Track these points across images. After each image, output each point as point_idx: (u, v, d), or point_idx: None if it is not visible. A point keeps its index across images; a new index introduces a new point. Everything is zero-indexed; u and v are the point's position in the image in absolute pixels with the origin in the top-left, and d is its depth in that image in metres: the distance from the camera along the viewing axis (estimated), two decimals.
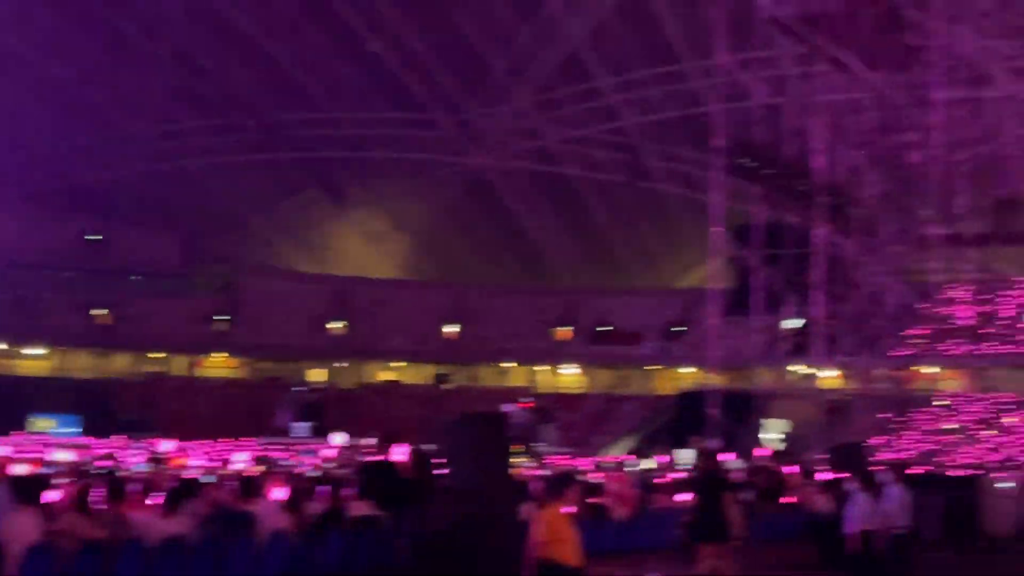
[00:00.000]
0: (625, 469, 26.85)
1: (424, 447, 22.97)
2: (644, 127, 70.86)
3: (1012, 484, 28.97)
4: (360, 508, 17.48)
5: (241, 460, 27.63)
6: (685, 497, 22.39)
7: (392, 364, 74.49)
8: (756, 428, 35.36)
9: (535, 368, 73.59)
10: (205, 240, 76.67)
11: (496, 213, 77.96)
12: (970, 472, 29.27)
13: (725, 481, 17.53)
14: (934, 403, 35.11)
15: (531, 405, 46.55)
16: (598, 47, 67.00)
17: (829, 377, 41.21)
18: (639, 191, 73.09)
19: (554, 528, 12.29)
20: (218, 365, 72.62)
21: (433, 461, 19.26)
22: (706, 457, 18.38)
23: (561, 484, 13.04)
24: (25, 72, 64.62)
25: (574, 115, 72.13)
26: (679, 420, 41.75)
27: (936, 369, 36.84)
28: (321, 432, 48.21)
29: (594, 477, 24.98)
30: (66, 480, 16.84)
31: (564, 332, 73.72)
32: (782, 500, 23.11)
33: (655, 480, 24.99)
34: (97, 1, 63.82)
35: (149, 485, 17.22)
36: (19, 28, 62.41)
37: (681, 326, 70.68)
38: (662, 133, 70.15)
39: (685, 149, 67.77)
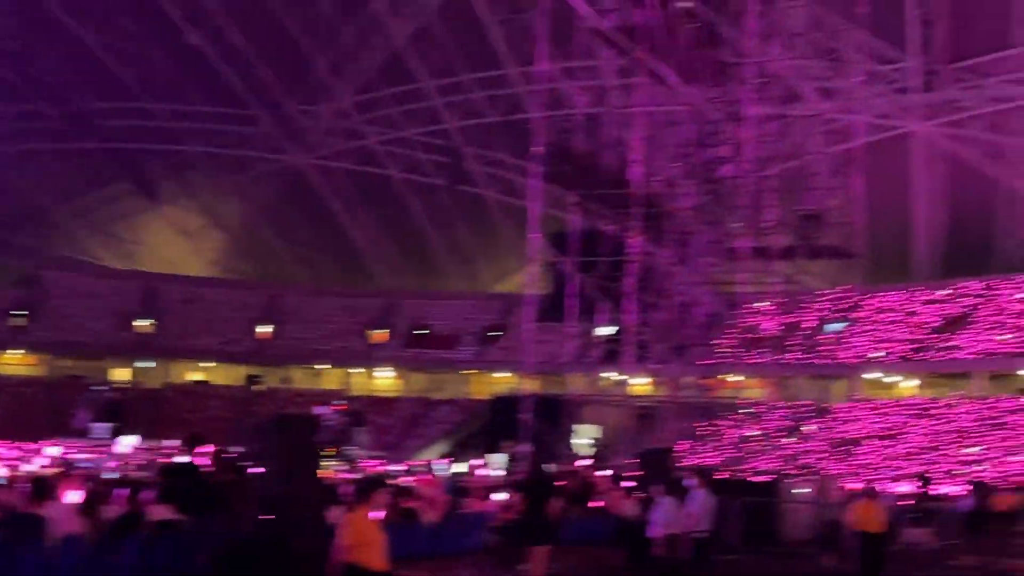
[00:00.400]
0: (437, 473, 26.73)
1: (231, 450, 22.30)
2: (466, 131, 71.07)
3: (809, 490, 30.03)
4: (160, 512, 16.86)
5: (37, 461, 26.34)
6: (497, 501, 22.51)
7: (201, 364, 72.57)
8: (568, 434, 35.69)
9: (350, 370, 72.82)
10: (5, 231, 73.20)
11: (314, 212, 76.88)
12: (770, 478, 30.19)
13: (551, 485, 18.07)
14: (739, 411, 36.14)
15: (344, 408, 45.98)
16: (421, 49, 66.85)
17: (639, 384, 42.00)
18: (459, 195, 73.21)
19: (361, 532, 12.06)
20: (15, 362, 69.32)
21: (240, 464, 18.76)
22: (534, 461, 18.99)
23: (369, 488, 12.81)
24: None
25: (395, 116, 71.83)
26: (492, 425, 41.84)
27: (741, 378, 37.95)
28: (121, 433, 46.51)
29: (406, 481, 24.76)
30: None
31: (380, 334, 73.15)
32: (591, 504, 23.34)
33: (467, 484, 24.93)
34: None
35: None
36: None
37: (497, 331, 71.06)
38: (483, 137, 70.47)
39: (505, 154, 68.22)
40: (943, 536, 31.07)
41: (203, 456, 23.29)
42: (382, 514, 13.01)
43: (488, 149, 71.00)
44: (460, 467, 31.32)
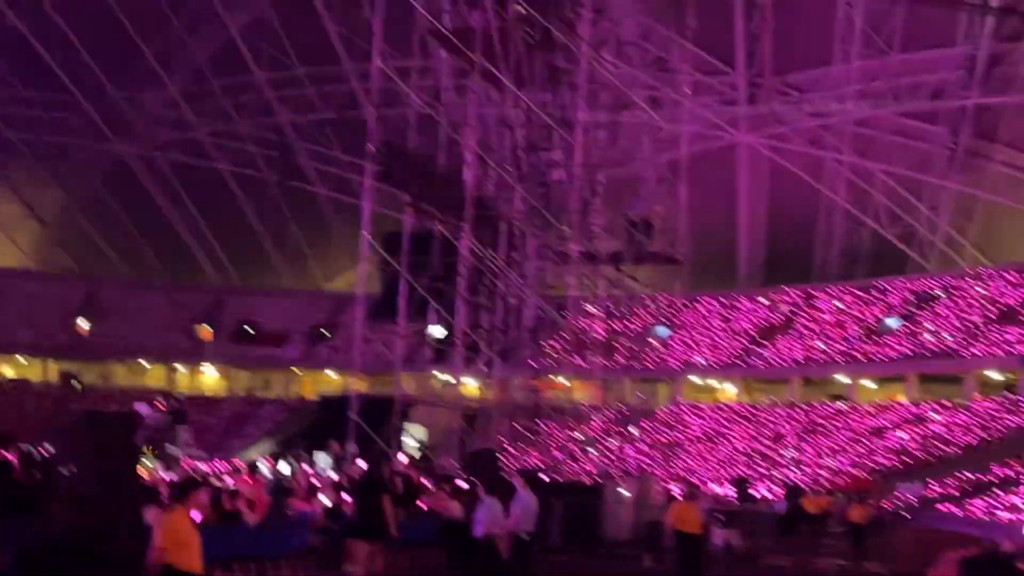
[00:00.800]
0: (261, 473, 26.26)
1: (42, 449, 21.49)
2: (299, 126, 70.15)
3: (629, 492, 30.63)
4: None
5: None
6: (322, 501, 22.25)
7: (16, 359, 69.80)
8: (396, 434, 35.58)
9: (174, 367, 71.04)
10: None
11: (139, 204, 74.64)
12: (594, 480, 30.69)
13: (385, 483, 18.27)
14: (566, 413, 36.61)
15: (165, 406, 44.80)
16: (254, 41, 65.72)
17: (468, 385, 42.14)
18: (291, 191, 72.14)
19: (177, 533, 11.75)
20: None
21: (49, 464, 18.09)
22: (370, 461, 19.33)
23: (187, 488, 12.52)
24: None
25: (227, 108, 70.39)
26: (319, 424, 41.40)
27: (569, 380, 38.45)
28: None
29: (228, 481, 24.22)
30: None
31: (206, 331, 71.52)
32: (416, 505, 23.28)
33: (291, 484, 24.56)
34: None
35: None
36: None
37: (327, 329, 70.35)
38: (317, 134, 69.66)
39: (339, 152, 67.56)
40: (758, 537, 32.13)
41: (10, 456, 22.36)
42: (200, 515, 12.73)
43: (322, 146, 70.21)
44: (285, 467, 30.88)
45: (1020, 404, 49.21)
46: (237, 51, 66.35)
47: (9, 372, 69.24)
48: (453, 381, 39.94)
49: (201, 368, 71.41)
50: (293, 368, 70.75)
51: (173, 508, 12.18)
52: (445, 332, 39.24)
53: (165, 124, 71.80)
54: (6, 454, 22.79)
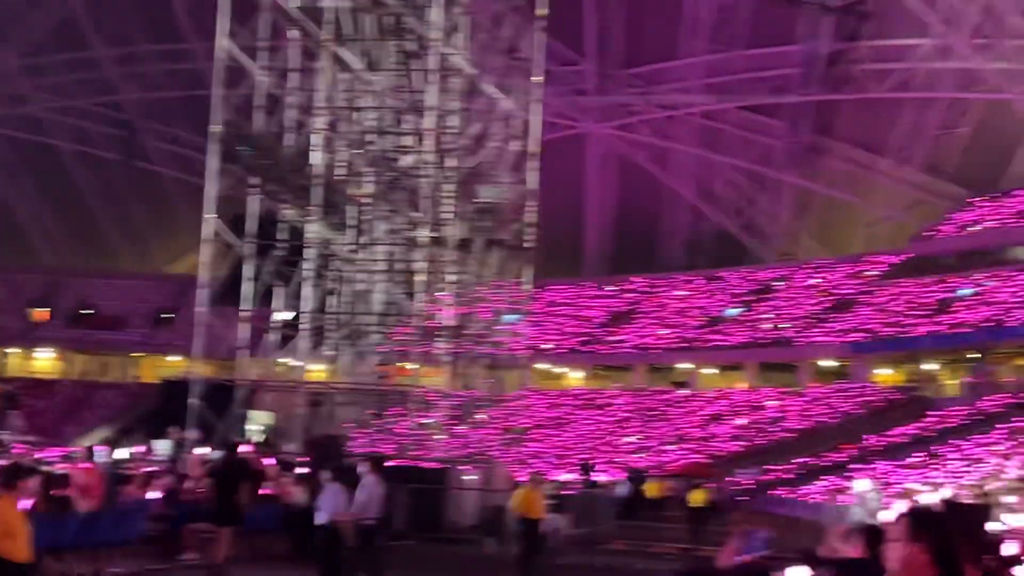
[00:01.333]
0: (95, 460, 25.46)
1: None
2: (142, 104, 68.29)
3: (475, 477, 30.77)
4: None
5: None
6: (159, 488, 21.76)
7: None
8: (238, 419, 34.97)
9: (7, 350, 68.50)
10: None
11: None
12: (440, 465, 30.72)
13: (242, 470, 18.12)
14: (413, 399, 36.58)
15: None
16: (97, 15, 63.72)
17: (314, 370, 41.71)
18: (133, 170, 70.21)
19: (4, 522, 11.34)
20: None
21: None
22: (229, 447, 19.40)
23: (15, 475, 12.08)
24: None
25: (66, 84, 68.09)
26: (160, 410, 40.42)
27: (417, 366, 38.41)
28: None
29: (61, 468, 23.45)
30: None
31: (41, 313, 69.10)
32: (260, 491, 22.94)
33: (128, 471, 23.94)
34: None
35: None
36: None
37: (170, 313, 68.69)
38: (161, 112, 67.94)
39: (185, 131, 66.05)
40: (600, 521, 32.63)
41: None
42: (29, 503, 12.33)
43: (166, 124, 68.51)
44: (122, 453, 30.05)
45: (851, 391, 51.16)
46: (77, 25, 64.24)
47: None
48: (299, 366, 39.49)
49: (34, 352, 69.00)
50: (134, 353, 68.90)
51: (1, 496, 11.76)
52: (291, 316, 38.77)
53: (1, 99, 69.10)
54: None
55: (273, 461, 25.24)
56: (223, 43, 35.16)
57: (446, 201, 36.11)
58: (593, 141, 65.65)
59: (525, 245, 39.97)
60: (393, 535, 22.81)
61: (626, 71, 62.30)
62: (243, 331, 36.96)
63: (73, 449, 29.94)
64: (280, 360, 42.39)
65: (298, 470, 24.82)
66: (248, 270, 36.08)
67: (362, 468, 18.38)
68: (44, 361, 69.33)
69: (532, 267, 40.95)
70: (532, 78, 40.42)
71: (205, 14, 50.98)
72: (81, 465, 21.24)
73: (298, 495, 22.11)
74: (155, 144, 69.79)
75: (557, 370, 63.76)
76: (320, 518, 17.42)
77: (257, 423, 36.50)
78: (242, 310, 36.61)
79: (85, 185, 72.26)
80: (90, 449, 25.33)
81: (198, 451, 26.54)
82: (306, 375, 39.79)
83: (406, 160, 37.92)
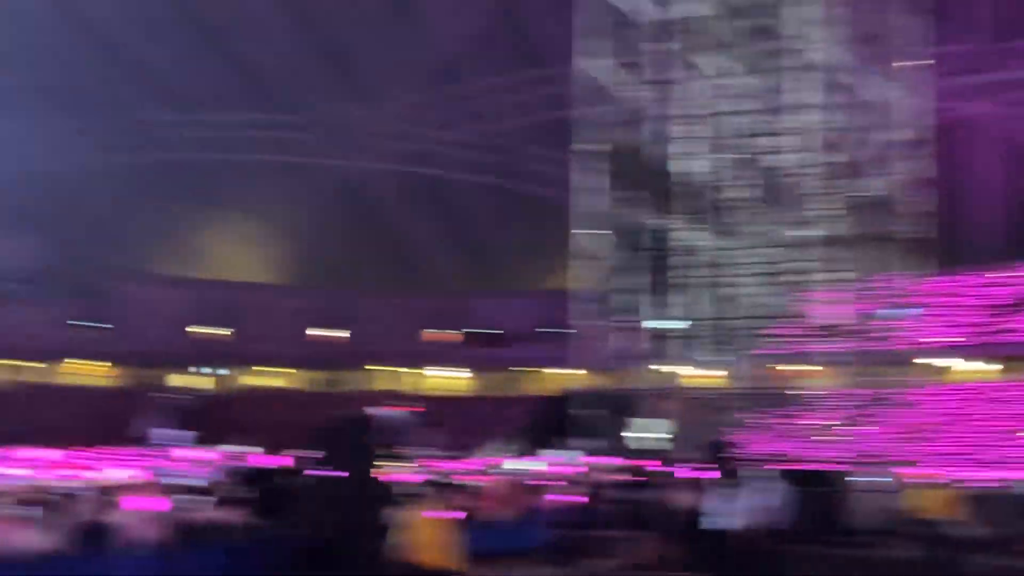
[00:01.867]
0: (506, 471, 26.72)
1: (299, 454, 22.56)
2: (516, 130, 71.07)
3: (878, 479, 29.76)
4: (233, 517, 17.10)
5: (114, 470, 26.64)
6: (568, 498, 22.53)
7: (267, 369, 73.44)
8: (636, 427, 35.67)
9: (410, 371, 73.26)
10: (74, 245, 74.30)
11: (369, 215, 77.35)
12: (836, 467, 29.97)
13: (646, 478, 18.62)
14: (806, 399, 35.83)
15: (406, 408, 46.21)
16: (472, 50, 67.01)
17: (703, 376, 41.81)
18: (512, 193, 73.28)
19: (426, 532, 12.15)
20: (83, 371, 70.47)
21: (304, 468, 18.96)
22: (630, 455, 19.91)
23: (436, 488, 12.96)
24: None
25: (447, 117, 72.00)
26: (557, 422, 41.86)
27: (807, 366, 37.63)
28: (190, 439, 47.22)
29: (472, 480, 24.85)
30: None
31: (440, 335, 73.52)
32: (662, 498, 23.27)
33: (535, 482, 24.96)
34: None
35: (18, 498, 16.64)
36: None
37: (559, 327, 70.92)
38: (534, 135, 70.46)
39: (556, 151, 68.16)
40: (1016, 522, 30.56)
41: (278, 461, 23.62)
42: (448, 513, 13.11)
43: (541, 146, 71.03)
44: (530, 464, 31.28)
45: None
46: (455, 61, 67.84)
47: (262, 381, 72.87)
48: (690, 372, 39.72)
49: (440, 371, 73.50)
50: (527, 368, 71.86)
51: (422, 508, 12.58)
52: (677, 324, 39.08)
53: (389, 136, 74.04)
54: (271, 460, 24.09)
55: (674, 468, 25.55)
56: (585, 63, 36.05)
57: (829, 197, 35.23)
58: (978, 123, 62.00)
59: (917, 236, 38.27)
60: (793, 539, 22.50)
61: (1006, 45, 58.39)
62: (625, 341, 37.63)
63: (485, 462, 31.57)
64: (666, 367, 42.81)
65: (696, 475, 25.00)
66: (626, 280, 36.72)
67: (763, 473, 18.30)
68: (447, 379, 73.66)
69: (924, 259, 39.15)
70: (913, 62, 38.64)
71: (566, 37, 52.58)
72: (493, 476, 22.40)
73: (694, 500, 22.25)
74: (530, 167, 72.49)
75: (952, 364, 60.55)
76: (719, 523, 17.49)
77: (654, 431, 37.05)
78: (623, 320, 37.29)
79: (469, 210, 76.29)
80: (502, 461, 26.66)
81: (601, 460, 27.28)
82: (694, 380, 39.98)
83: (782, 159, 37.29)
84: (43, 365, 68.96)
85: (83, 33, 64.71)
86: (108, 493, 18.77)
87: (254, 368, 73.31)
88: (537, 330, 72.47)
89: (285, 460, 25.33)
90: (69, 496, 17.93)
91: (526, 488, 23.02)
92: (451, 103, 71.44)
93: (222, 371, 72.29)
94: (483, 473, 25.10)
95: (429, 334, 73.95)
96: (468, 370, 73.34)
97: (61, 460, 29.98)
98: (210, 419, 56.55)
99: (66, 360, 69.77)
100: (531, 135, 70.76)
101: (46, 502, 15.84)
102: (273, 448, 29.65)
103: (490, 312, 74.53)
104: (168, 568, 15.65)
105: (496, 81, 69.20)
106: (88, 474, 23.88)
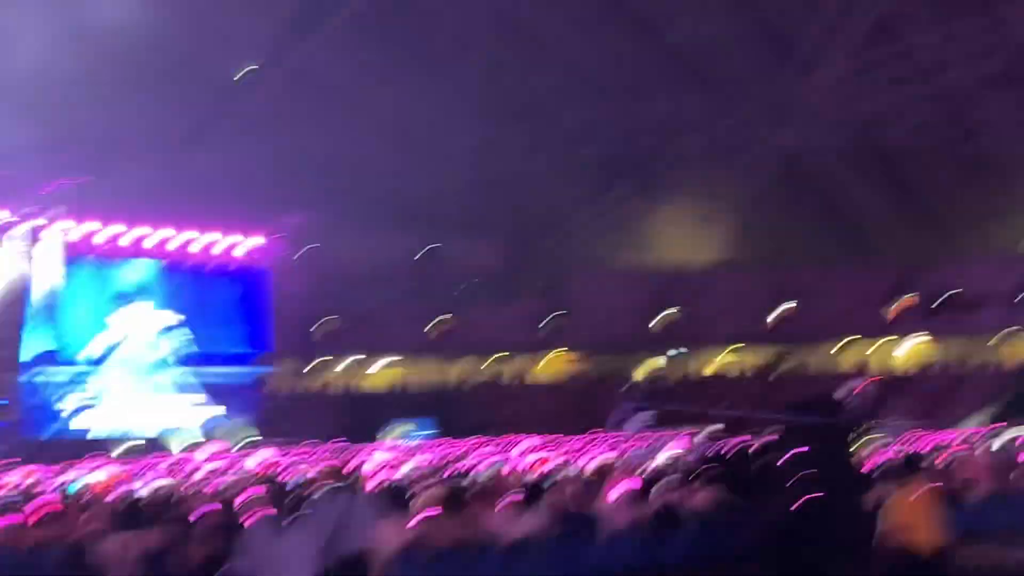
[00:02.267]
0: (983, 443, 25.34)
1: (764, 433, 22.69)
2: (967, 83, 66.98)
3: None
4: (706, 497, 17.43)
5: (590, 456, 27.54)
6: None
7: (725, 349, 74.08)
8: None
9: (871, 344, 71.23)
10: (526, 243, 78.29)
11: (812, 188, 75.79)
12: None
13: None
14: None
15: (870, 383, 44.90)
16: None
17: None
18: (965, 152, 69.16)
19: (907, 514, 11.91)
20: (551, 364, 74.26)
21: (774, 447, 18.97)
22: None
23: (911, 466, 12.65)
24: (350, 101, 68.03)
25: (890, 78, 69.01)
26: None
27: None
28: (657, 422, 48.48)
29: (945, 455, 23.73)
30: (426, 485, 17.51)
31: (899, 306, 70.96)
32: None
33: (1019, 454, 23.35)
34: (399, 25, 66.16)
35: (497, 487, 17.76)
36: (342, 60, 66.05)
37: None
38: (989, 87, 66.11)
39: (1017, 104, 63.64)
40: None
41: (737, 440, 23.86)
42: (927, 492, 12.72)
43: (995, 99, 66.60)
44: (1011, 434, 29.27)
45: None
46: (893, 15, 65.05)
47: (723, 361, 73.69)
48: None
49: (900, 343, 71.02)
50: (996, 336, 67.98)
51: (901, 487, 12.34)
52: None
53: (829, 106, 72.09)
54: (738, 440, 24.39)
55: None
56: None
57: None
58: None
59: None
60: None
61: None
62: None
63: (956, 433, 30.07)
64: None
65: None
66: None
67: None
68: (909, 351, 71.08)
69: None
70: None
71: None
72: (968, 450, 21.31)
73: None
74: (987, 122, 68.05)
75: None
76: None
77: None
78: None
79: (917, 175, 72.78)
80: (975, 432, 25.30)
81: None
82: None
83: None
84: (518, 357, 73.36)
85: (517, 40, 67.87)
86: (587, 477, 19.71)
87: (710, 348, 74.12)
88: (1008, 295, 68.19)
89: (745, 439, 25.53)
90: (553, 482, 18.98)
91: (1007, 461, 21.68)
92: (892, 61, 68.37)
93: (678, 354, 73.64)
94: (965, 445, 23.83)
95: (885, 305, 71.46)
96: (926, 340, 70.24)
97: (540, 446, 31.66)
98: (675, 401, 57.73)
99: (536, 352, 73.80)
100: (985, 87, 66.44)
101: (531, 490, 16.85)
102: (735, 428, 29.86)
103: (952, 279, 70.88)
104: (648, 551, 16.21)
105: (939, 32, 65.48)
106: (567, 460, 25.14)
